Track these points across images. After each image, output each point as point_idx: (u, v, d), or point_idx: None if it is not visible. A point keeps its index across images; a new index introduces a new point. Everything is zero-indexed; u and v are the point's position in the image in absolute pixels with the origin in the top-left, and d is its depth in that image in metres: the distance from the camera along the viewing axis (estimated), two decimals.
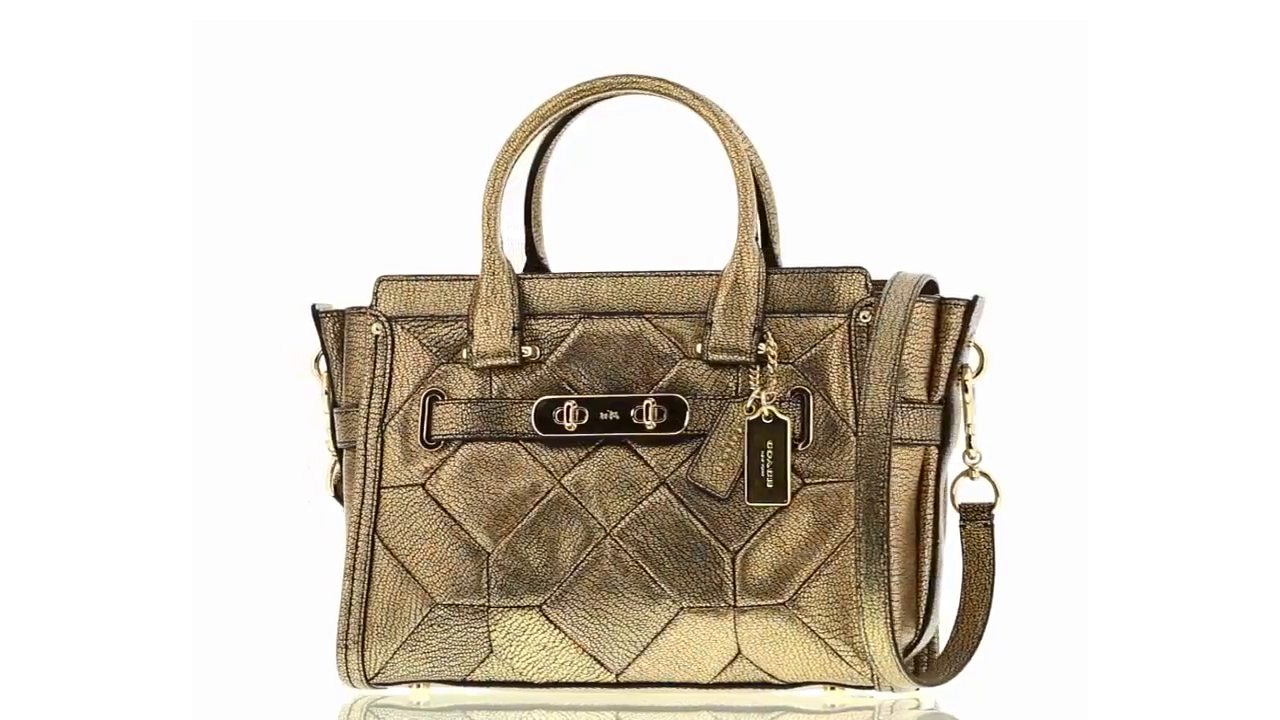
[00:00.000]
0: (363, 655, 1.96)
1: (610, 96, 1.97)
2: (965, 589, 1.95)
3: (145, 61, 2.57)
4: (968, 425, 1.94)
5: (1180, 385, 2.48)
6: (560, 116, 1.98)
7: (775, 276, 1.93)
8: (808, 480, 1.89)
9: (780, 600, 1.89)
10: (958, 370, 1.93)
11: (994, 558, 1.95)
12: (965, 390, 1.94)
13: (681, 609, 1.91)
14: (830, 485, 1.89)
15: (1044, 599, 2.33)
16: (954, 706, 1.94)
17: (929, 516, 1.92)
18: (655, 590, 1.91)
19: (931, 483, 1.93)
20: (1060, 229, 2.53)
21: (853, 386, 1.89)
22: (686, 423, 1.91)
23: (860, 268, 1.91)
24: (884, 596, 1.84)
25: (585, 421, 1.93)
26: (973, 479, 1.94)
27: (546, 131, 2.01)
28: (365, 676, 1.97)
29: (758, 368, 1.91)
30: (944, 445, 1.94)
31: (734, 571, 1.90)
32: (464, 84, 2.59)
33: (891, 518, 1.87)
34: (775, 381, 1.90)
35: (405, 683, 1.98)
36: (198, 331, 2.56)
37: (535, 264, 2.07)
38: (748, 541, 1.90)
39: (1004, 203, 2.54)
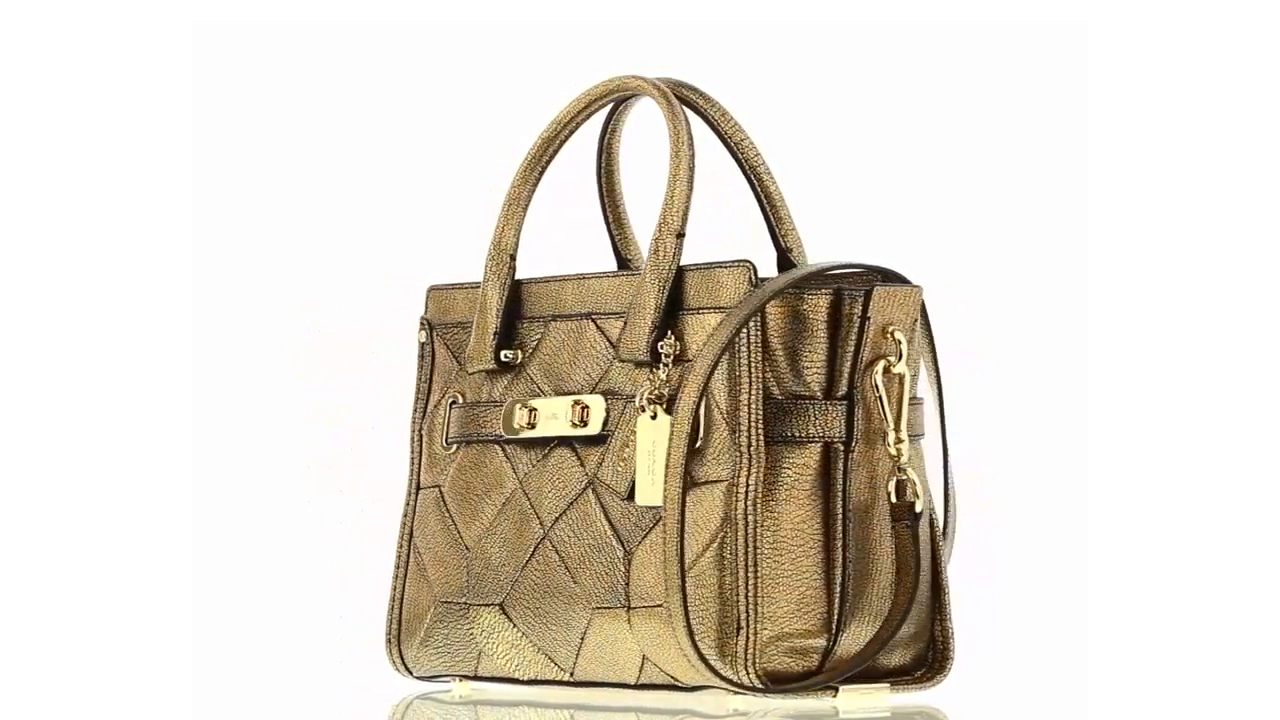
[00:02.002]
0: (400, 650, 2.05)
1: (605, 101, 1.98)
2: (894, 591, 1.87)
3: (159, 62, 2.60)
4: (886, 421, 1.86)
5: (1178, 386, 2.46)
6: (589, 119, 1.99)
7: (690, 273, 1.89)
8: (695, 481, 1.85)
9: (658, 603, 1.86)
10: (868, 363, 1.85)
11: (918, 561, 1.85)
12: (878, 386, 1.85)
13: (594, 610, 1.91)
14: (708, 486, 1.85)
15: (1043, 599, 2.32)
16: (952, 706, 1.91)
17: (837, 516, 1.85)
18: (572, 591, 1.92)
19: (838, 482, 1.85)
20: (1060, 229, 2.52)
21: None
22: (605, 423, 1.91)
23: (745, 261, 1.86)
24: (679, 600, 1.81)
25: (535, 424, 1.95)
26: (902, 478, 1.86)
27: (601, 136, 2.02)
28: (407, 670, 2.06)
29: (654, 367, 1.88)
30: (850, 442, 1.85)
31: (625, 573, 1.89)
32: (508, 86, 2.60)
33: (772, 518, 1.83)
34: (665, 380, 1.87)
35: (441, 676, 2.05)
36: (219, 336, 2.60)
37: (623, 265, 2.08)
38: (639, 543, 1.88)
39: (1004, 203, 2.53)
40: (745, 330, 1.83)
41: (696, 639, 1.82)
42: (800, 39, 2.56)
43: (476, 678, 2.00)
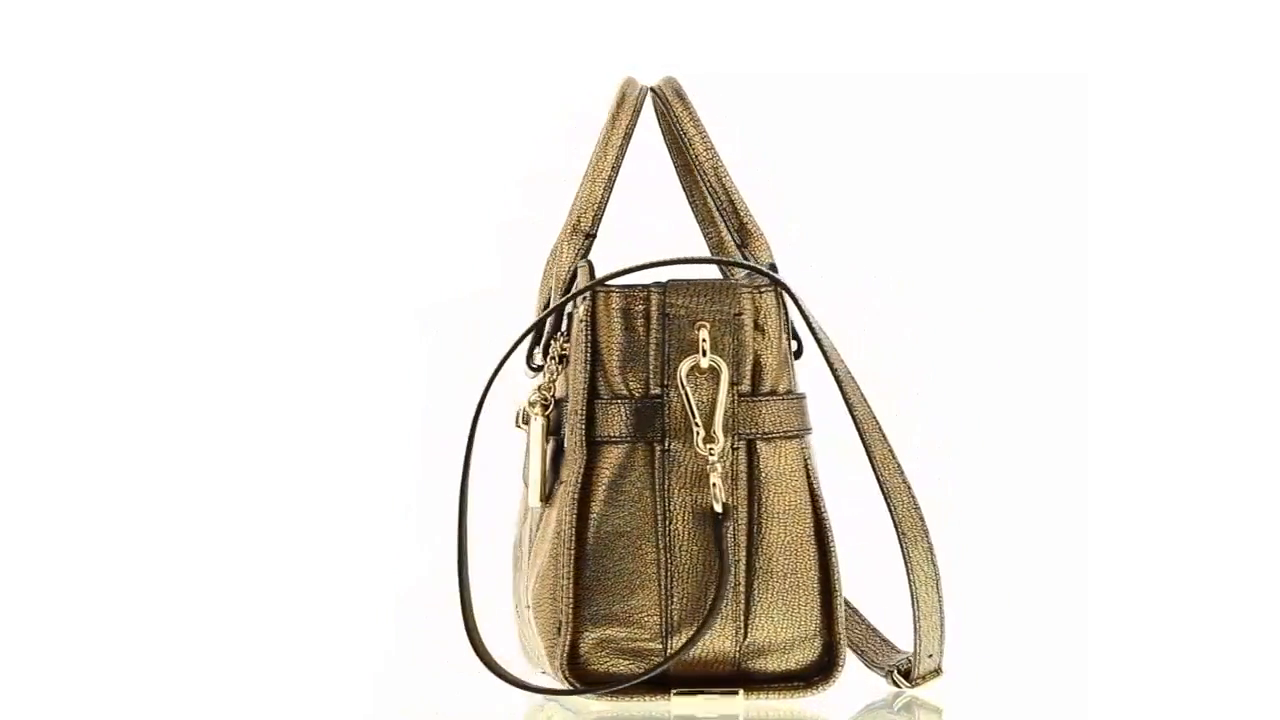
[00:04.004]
0: None
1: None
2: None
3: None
4: (694, 419, 1.80)
5: (1177, 387, 2.49)
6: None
7: (580, 269, 1.90)
8: (559, 483, 1.87)
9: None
10: (679, 361, 1.81)
11: (724, 567, 1.79)
12: (683, 384, 1.80)
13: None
14: (560, 487, 1.86)
15: (1042, 599, 2.32)
16: (952, 706, 1.89)
17: (657, 517, 1.81)
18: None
19: (658, 482, 1.81)
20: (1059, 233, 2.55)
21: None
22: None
23: (585, 262, 1.87)
24: (462, 598, 1.83)
25: None
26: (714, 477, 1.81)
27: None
28: None
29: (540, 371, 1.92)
30: (665, 441, 1.81)
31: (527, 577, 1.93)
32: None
33: (594, 519, 1.82)
34: (548, 383, 1.88)
35: None
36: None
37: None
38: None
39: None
40: (581, 332, 1.83)
41: (544, 641, 1.83)
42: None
43: None
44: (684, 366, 1.80)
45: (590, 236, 1.91)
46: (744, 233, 1.92)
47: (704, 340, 1.79)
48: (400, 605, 2.29)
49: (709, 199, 1.94)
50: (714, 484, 1.79)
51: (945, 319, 2.52)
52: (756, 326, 1.82)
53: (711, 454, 1.79)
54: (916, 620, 1.88)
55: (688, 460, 1.80)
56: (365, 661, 2.14)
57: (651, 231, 1.97)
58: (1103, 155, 2.54)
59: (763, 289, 1.83)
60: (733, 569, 1.80)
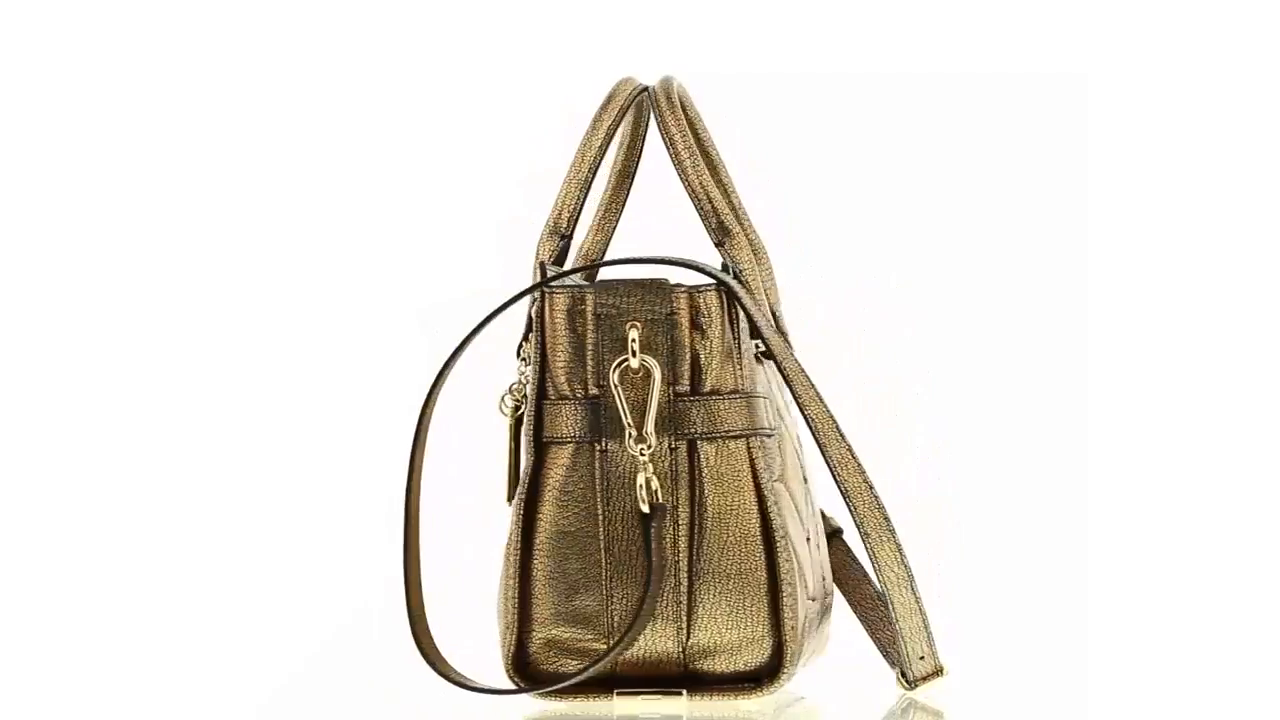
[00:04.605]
0: None
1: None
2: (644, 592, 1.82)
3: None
4: (625, 419, 1.80)
5: (1176, 384, 2.49)
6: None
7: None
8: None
9: None
10: (612, 362, 1.81)
11: (651, 568, 1.78)
12: (615, 385, 1.80)
13: None
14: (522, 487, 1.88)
15: (1041, 599, 2.32)
16: (952, 706, 1.88)
17: (599, 516, 1.81)
18: None
19: (598, 482, 1.81)
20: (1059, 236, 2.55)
21: None
22: None
23: (539, 263, 1.89)
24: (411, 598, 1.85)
25: None
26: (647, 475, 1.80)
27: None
28: None
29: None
30: (602, 441, 1.81)
31: None
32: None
33: (540, 519, 1.82)
34: (516, 385, 1.90)
35: None
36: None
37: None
38: None
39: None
40: (534, 334, 1.85)
41: (503, 642, 1.83)
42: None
43: None
44: (615, 366, 1.80)
45: (565, 238, 1.92)
46: (723, 232, 1.91)
47: (633, 340, 1.79)
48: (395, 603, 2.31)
49: (693, 200, 1.93)
50: (640, 484, 1.78)
51: (945, 318, 2.51)
52: (695, 326, 1.81)
53: (642, 454, 1.79)
54: (895, 623, 1.85)
55: (624, 461, 1.80)
56: (363, 661, 2.17)
57: (676, 228, 2.00)
58: (1103, 155, 2.53)
59: (702, 289, 1.82)
60: (665, 569, 1.79)
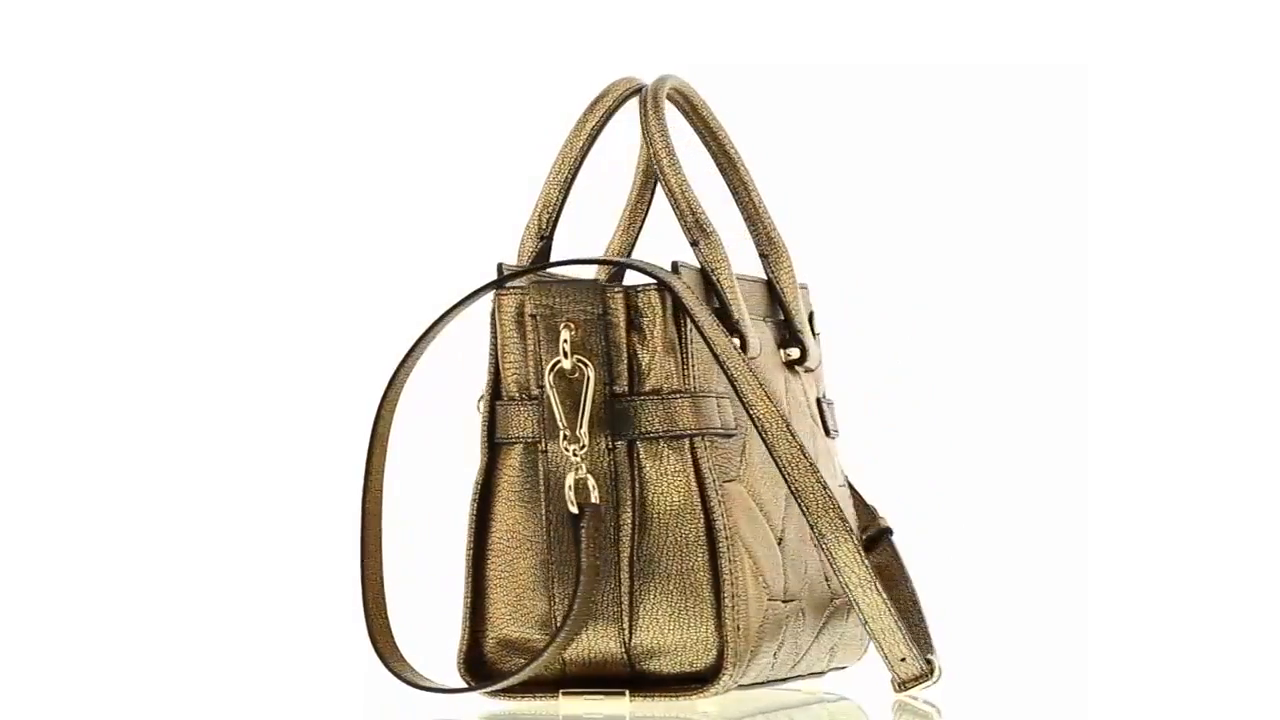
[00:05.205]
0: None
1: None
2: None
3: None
4: (558, 418, 1.80)
5: (1175, 380, 2.50)
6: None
7: None
8: None
9: None
10: (546, 363, 1.81)
11: (580, 569, 1.78)
12: (548, 385, 1.80)
13: None
14: None
15: (1040, 599, 2.33)
16: (951, 706, 1.89)
17: (544, 516, 1.82)
18: None
19: (541, 482, 1.82)
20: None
21: None
22: None
23: (498, 265, 1.88)
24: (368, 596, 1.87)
25: None
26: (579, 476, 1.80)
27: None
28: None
29: None
30: (543, 442, 1.81)
31: None
32: None
33: (493, 519, 1.84)
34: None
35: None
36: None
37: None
38: None
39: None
40: (490, 335, 1.86)
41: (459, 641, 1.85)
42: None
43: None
44: (550, 367, 1.80)
45: (545, 239, 1.93)
46: (698, 231, 1.90)
47: (565, 340, 1.79)
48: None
49: (668, 200, 1.92)
50: (568, 485, 1.79)
51: (944, 311, 2.50)
52: (632, 326, 1.80)
53: (575, 455, 1.79)
54: (864, 625, 1.83)
55: (562, 461, 1.80)
56: (322, 658, 2.21)
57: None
58: (1102, 146, 2.50)
59: (641, 289, 1.81)
60: (599, 570, 1.79)
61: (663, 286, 1.81)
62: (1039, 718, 1.89)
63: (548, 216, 1.93)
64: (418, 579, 1.93)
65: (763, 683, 1.89)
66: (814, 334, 2.07)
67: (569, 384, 1.80)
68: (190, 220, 2.62)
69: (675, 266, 1.86)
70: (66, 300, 2.60)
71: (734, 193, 2.02)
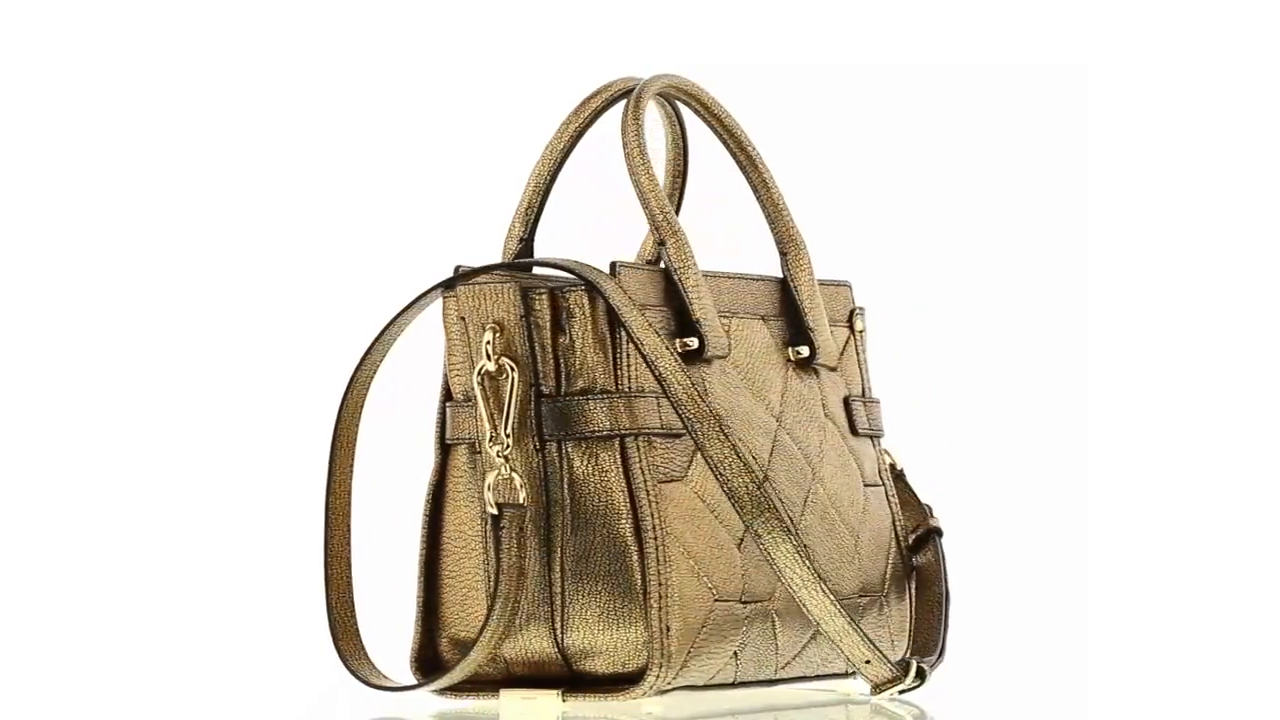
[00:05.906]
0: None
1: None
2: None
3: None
4: (481, 420, 1.82)
5: (1175, 380, 2.49)
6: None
7: None
8: None
9: None
10: (478, 367, 1.83)
11: (499, 570, 1.80)
12: (473, 387, 1.83)
13: None
14: None
15: (1039, 599, 2.35)
16: (951, 706, 1.90)
17: (483, 517, 1.84)
18: None
19: (479, 483, 1.85)
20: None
21: None
22: None
23: (456, 266, 1.90)
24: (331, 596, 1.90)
25: None
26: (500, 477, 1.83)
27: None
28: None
29: None
30: (478, 442, 1.83)
31: None
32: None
33: (443, 520, 1.87)
34: None
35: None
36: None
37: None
38: None
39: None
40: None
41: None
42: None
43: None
44: (476, 369, 1.82)
45: (523, 240, 1.95)
46: (666, 231, 1.90)
47: (488, 342, 1.81)
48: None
49: (638, 199, 1.92)
50: (486, 485, 1.81)
51: (944, 311, 2.47)
52: (557, 326, 1.81)
53: (498, 455, 1.80)
54: (817, 626, 1.82)
55: (488, 462, 1.82)
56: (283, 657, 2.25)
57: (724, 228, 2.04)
58: (1103, 147, 2.47)
59: (566, 289, 1.82)
60: (518, 570, 1.80)
61: (590, 287, 1.82)
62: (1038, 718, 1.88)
63: (529, 219, 1.95)
64: (380, 578, 1.96)
65: (731, 684, 1.88)
66: (857, 332, 2.07)
67: (496, 385, 1.82)
68: (151, 218, 2.62)
69: (614, 267, 1.87)
70: (22, 294, 2.61)
71: (754, 190, 2.02)
